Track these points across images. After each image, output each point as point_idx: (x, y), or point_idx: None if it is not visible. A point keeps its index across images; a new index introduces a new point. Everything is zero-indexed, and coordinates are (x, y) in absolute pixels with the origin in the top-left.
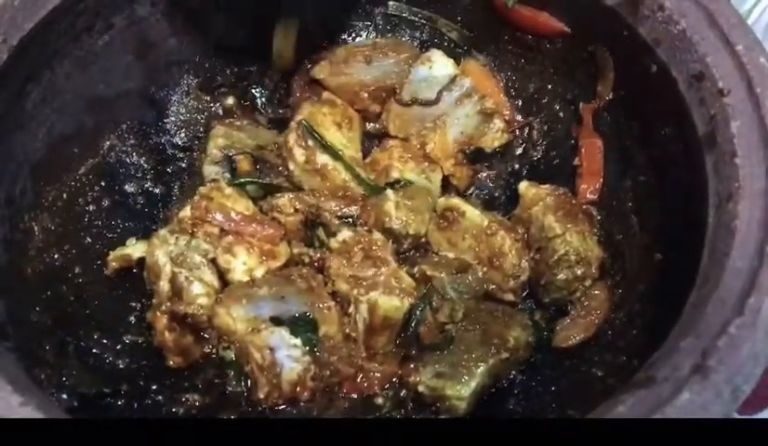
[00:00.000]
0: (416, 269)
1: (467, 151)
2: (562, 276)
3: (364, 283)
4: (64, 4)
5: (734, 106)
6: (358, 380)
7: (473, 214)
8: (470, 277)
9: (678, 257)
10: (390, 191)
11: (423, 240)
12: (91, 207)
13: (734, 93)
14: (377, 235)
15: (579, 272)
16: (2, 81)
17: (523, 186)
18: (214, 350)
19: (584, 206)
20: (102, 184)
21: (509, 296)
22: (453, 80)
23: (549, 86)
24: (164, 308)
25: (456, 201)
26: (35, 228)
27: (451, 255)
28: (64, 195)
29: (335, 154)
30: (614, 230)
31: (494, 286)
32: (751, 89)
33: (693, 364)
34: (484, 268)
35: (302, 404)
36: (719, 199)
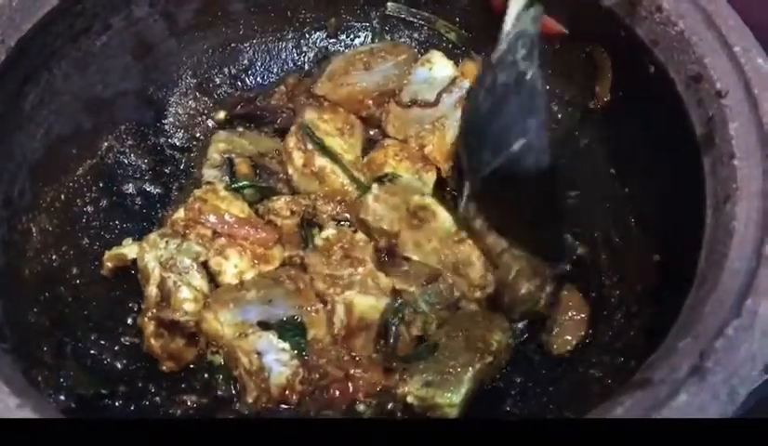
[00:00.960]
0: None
1: None
2: (524, 290)
3: (341, 282)
4: (62, 5)
5: (731, 107)
6: (346, 384)
7: (443, 217)
8: (440, 286)
9: (675, 259)
10: (375, 185)
11: (395, 241)
12: (89, 208)
13: (731, 94)
14: (360, 235)
15: (538, 282)
16: (0, 82)
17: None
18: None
19: None
20: (100, 185)
21: (474, 306)
22: (453, 82)
23: (548, 87)
24: (150, 314)
25: (429, 200)
26: (33, 229)
27: (415, 258)
28: (62, 196)
29: (333, 157)
30: (611, 231)
31: (459, 293)
32: (749, 90)
33: (690, 366)
34: (448, 274)
35: (290, 408)
36: (716, 200)
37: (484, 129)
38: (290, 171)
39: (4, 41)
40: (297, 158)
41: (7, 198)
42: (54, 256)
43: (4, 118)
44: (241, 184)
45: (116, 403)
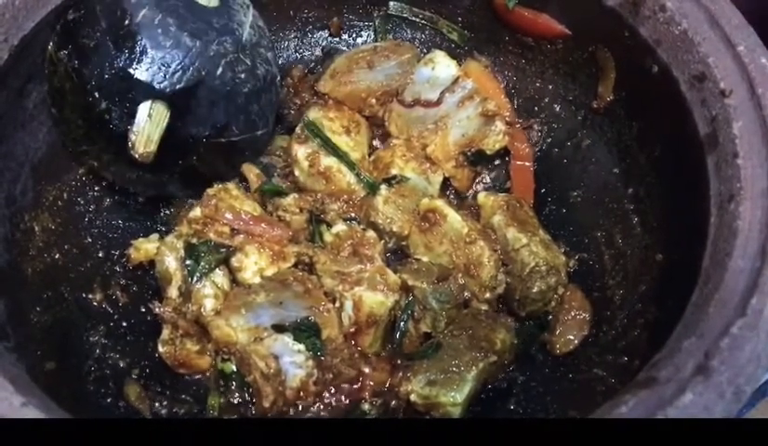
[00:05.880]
0: (397, 277)
1: (468, 153)
2: (536, 288)
3: (349, 279)
4: (64, 3)
5: (735, 107)
6: (357, 383)
7: (455, 219)
8: (451, 285)
9: (679, 258)
10: (383, 187)
11: (405, 242)
12: (91, 207)
13: (735, 94)
14: (370, 233)
15: (552, 281)
16: (3, 80)
17: (482, 196)
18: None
19: (527, 210)
20: (103, 184)
21: (484, 306)
22: (455, 81)
23: (550, 87)
24: (168, 316)
25: (439, 203)
26: (36, 227)
27: (425, 259)
28: (65, 195)
29: (338, 154)
30: (615, 231)
31: (468, 294)
32: (753, 90)
33: (695, 365)
34: (459, 275)
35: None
36: (720, 199)
37: (247, 106)
38: (296, 172)
39: (7, 40)
40: (303, 158)
41: (10, 196)
42: (56, 255)
43: (6, 116)
44: (267, 188)
45: (120, 402)
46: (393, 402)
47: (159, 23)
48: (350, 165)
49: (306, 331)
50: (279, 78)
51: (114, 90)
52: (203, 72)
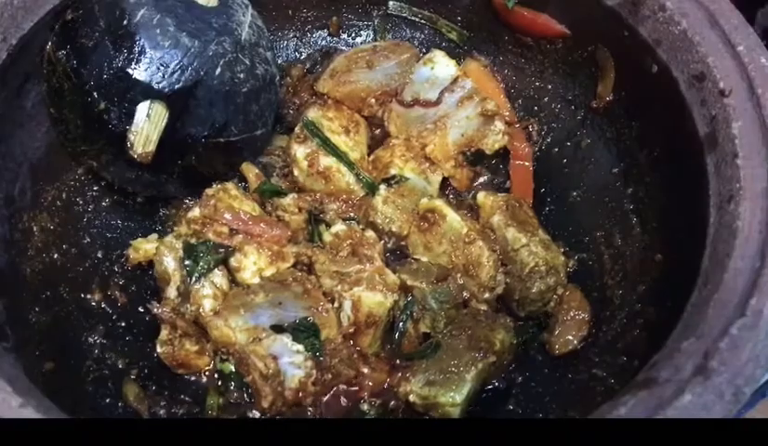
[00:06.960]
0: (396, 278)
1: (467, 153)
2: (535, 288)
3: (348, 279)
4: (63, 3)
5: (735, 107)
6: (356, 383)
7: (454, 219)
8: (450, 286)
9: (679, 258)
10: (382, 187)
11: (404, 242)
12: (90, 207)
13: (735, 93)
14: (369, 233)
15: (551, 281)
16: (1, 80)
17: (482, 196)
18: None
19: (526, 210)
20: (102, 184)
21: (483, 307)
22: (455, 81)
23: (550, 87)
24: (166, 316)
25: (438, 203)
26: (34, 227)
27: (425, 259)
28: (63, 195)
29: (337, 153)
30: (614, 231)
31: (468, 294)
32: (752, 90)
33: (695, 365)
34: (458, 275)
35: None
36: (720, 200)
37: (246, 106)
38: (296, 172)
39: (5, 39)
40: (303, 158)
41: (9, 196)
42: (55, 255)
43: (5, 116)
44: (265, 188)
45: (119, 403)
46: (392, 403)
47: (158, 23)
48: (350, 165)
49: (305, 331)
50: (278, 78)
51: (113, 90)
52: (201, 72)
